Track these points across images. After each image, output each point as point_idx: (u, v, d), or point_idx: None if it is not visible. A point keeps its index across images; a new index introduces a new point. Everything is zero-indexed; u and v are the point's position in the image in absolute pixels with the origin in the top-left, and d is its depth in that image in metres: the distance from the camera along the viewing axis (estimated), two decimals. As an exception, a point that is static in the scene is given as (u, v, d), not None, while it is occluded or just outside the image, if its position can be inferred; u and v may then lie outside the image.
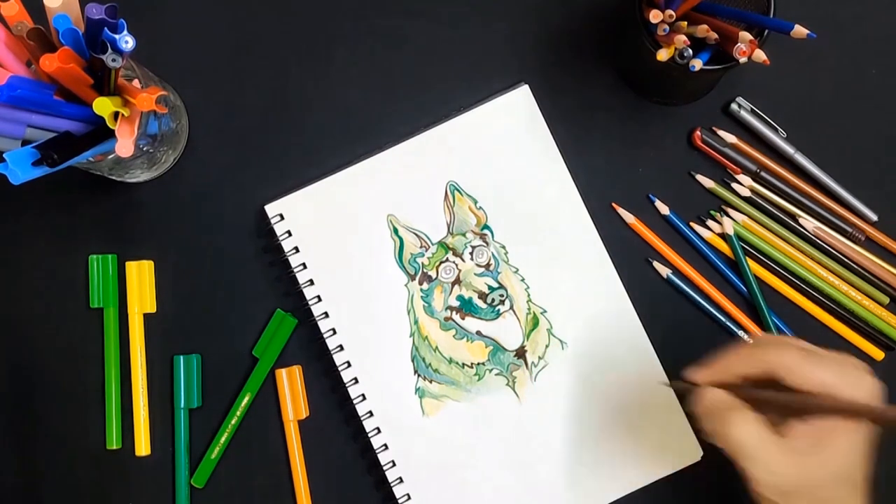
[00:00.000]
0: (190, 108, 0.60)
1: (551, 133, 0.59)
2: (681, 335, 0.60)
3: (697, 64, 0.48)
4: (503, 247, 0.59)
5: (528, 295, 0.59)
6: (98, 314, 0.60)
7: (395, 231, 0.59)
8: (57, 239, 0.60)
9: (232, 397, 0.59)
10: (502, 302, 0.59)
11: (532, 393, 0.59)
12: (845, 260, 0.60)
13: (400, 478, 0.58)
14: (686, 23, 0.50)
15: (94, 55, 0.46)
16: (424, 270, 0.59)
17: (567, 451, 0.58)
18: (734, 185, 0.60)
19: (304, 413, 0.59)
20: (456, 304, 0.59)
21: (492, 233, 0.59)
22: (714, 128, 0.60)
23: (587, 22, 0.61)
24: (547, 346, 0.59)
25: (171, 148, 0.58)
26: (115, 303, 0.59)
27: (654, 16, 0.49)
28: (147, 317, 0.60)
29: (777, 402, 0.44)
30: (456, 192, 0.59)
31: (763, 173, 0.60)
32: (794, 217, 0.60)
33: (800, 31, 0.47)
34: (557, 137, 0.59)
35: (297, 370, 0.59)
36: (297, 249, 0.59)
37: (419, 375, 0.59)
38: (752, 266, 0.60)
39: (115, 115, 0.47)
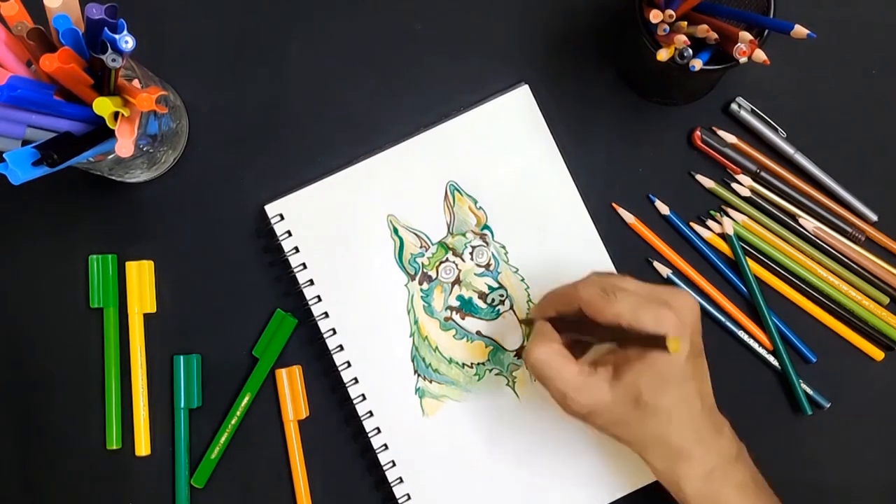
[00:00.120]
0: (190, 108, 0.60)
1: (551, 133, 0.59)
2: (681, 335, 0.60)
3: (697, 64, 0.48)
4: (503, 247, 0.59)
5: (528, 295, 0.59)
6: (98, 314, 0.60)
7: (395, 231, 0.59)
8: (57, 239, 0.60)
9: (232, 397, 0.59)
10: (502, 302, 0.59)
11: (532, 393, 0.59)
12: (845, 260, 0.60)
13: (400, 478, 0.58)
14: (686, 23, 0.50)
15: (94, 55, 0.46)
16: (424, 270, 0.59)
17: (567, 452, 0.58)
18: (734, 185, 0.60)
19: (304, 413, 0.59)
20: (456, 304, 0.59)
21: (492, 233, 0.59)
22: (714, 128, 0.60)
23: (587, 22, 0.61)
24: (547, 346, 0.59)
25: (171, 148, 0.58)
26: (115, 303, 0.59)
27: (654, 16, 0.49)
28: (147, 317, 0.60)
29: (579, 332, 0.50)
30: (456, 192, 0.59)
31: (763, 173, 0.60)
32: (794, 217, 0.60)
33: (800, 31, 0.47)
34: (557, 137, 0.59)
35: (297, 370, 0.59)
36: (297, 249, 0.59)
37: (419, 375, 0.59)
38: (752, 266, 0.60)
39: (115, 115, 0.47)
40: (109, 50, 0.44)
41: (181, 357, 0.59)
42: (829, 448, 0.60)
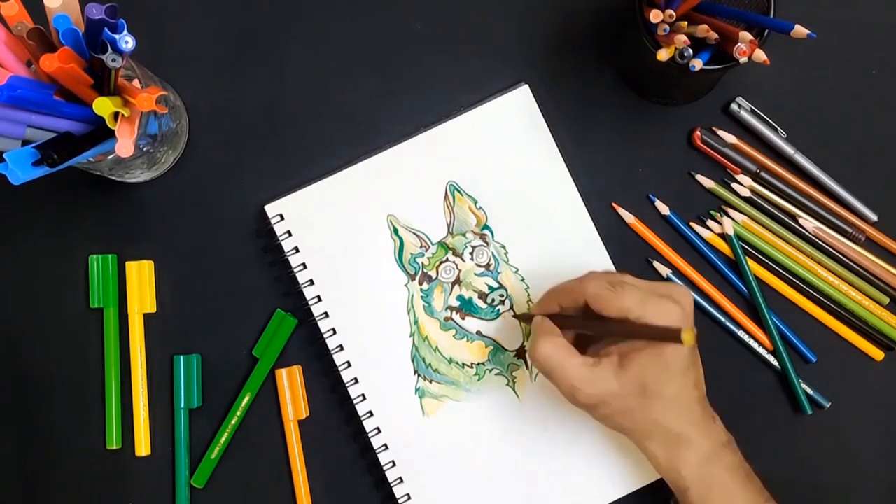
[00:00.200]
0: (190, 108, 0.60)
1: (551, 133, 0.59)
2: (681, 335, 0.60)
3: (697, 64, 0.48)
4: (503, 247, 0.59)
5: (528, 295, 0.59)
6: (98, 314, 0.60)
7: (395, 231, 0.59)
8: (57, 239, 0.60)
9: (232, 397, 0.59)
10: (502, 302, 0.59)
11: (532, 393, 0.59)
12: (845, 260, 0.60)
13: (400, 478, 0.58)
14: (686, 23, 0.50)
15: (94, 55, 0.46)
16: (424, 270, 0.59)
17: (567, 451, 0.58)
18: (734, 185, 0.60)
19: (304, 413, 0.59)
20: (456, 304, 0.59)
21: (492, 233, 0.59)
22: (714, 128, 0.60)
23: (587, 22, 0.61)
24: (547, 346, 0.59)
25: (171, 148, 0.58)
26: (115, 303, 0.59)
27: (654, 16, 0.49)
28: (147, 317, 0.60)
29: (584, 326, 0.52)
30: (456, 192, 0.59)
31: (763, 173, 0.60)
32: (794, 217, 0.60)
33: (800, 31, 0.47)
34: (557, 137, 0.59)
35: (297, 370, 0.59)
36: (297, 249, 0.59)
37: (419, 375, 0.59)
38: (752, 266, 0.60)
39: (115, 115, 0.47)
40: (109, 50, 0.44)
41: (181, 357, 0.59)
42: (829, 448, 0.60)
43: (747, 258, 0.60)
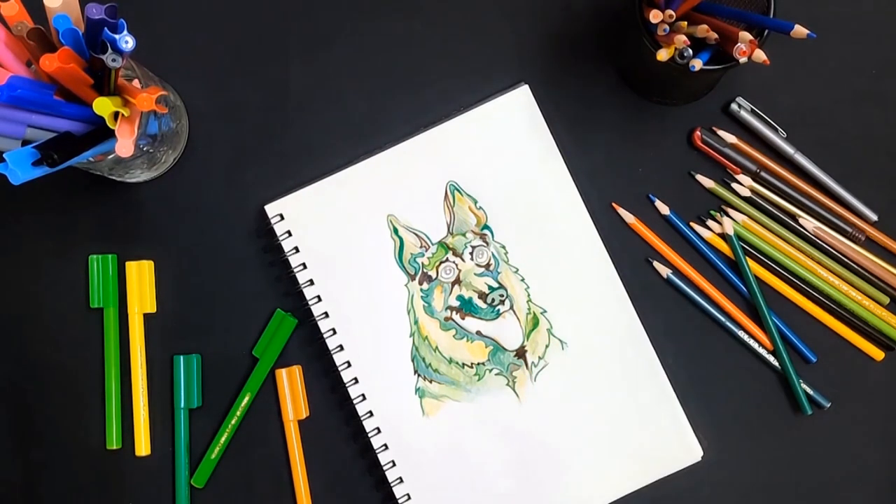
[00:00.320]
0: (190, 108, 0.60)
1: (551, 133, 0.59)
2: (681, 335, 0.60)
3: (697, 64, 0.48)
4: (503, 247, 0.59)
5: (528, 295, 0.59)
6: (98, 314, 0.60)
7: (395, 231, 0.59)
8: (57, 239, 0.60)
9: (232, 397, 0.59)
10: (502, 302, 0.59)
11: (532, 393, 0.59)
12: (845, 260, 0.60)
13: (400, 478, 0.58)
14: (686, 23, 0.50)
15: (94, 55, 0.46)
16: (424, 270, 0.59)
17: (567, 451, 0.58)
18: (734, 185, 0.60)
19: (304, 413, 0.59)
20: (456, 304, 0.59)
21: (492, 233, 0.59)
22: (714, 128, 0.60)
23: (587, 22, 0.61)
24: (547, 346, 0.59)
25: (171, 148, 0.58)
26: (115, 303, 0.59)
27: (654, 16, 0.49)
28: (147, 317, 0.60)
29: None
30: (456, 192, 0.59)
31: (763, 173, 0.60)
32: (794, 217, 0.60)
33: (800, 31, 0.47)
34: (557, 137, 0.59)
35: (297, 370, 0.59)
36: (297, 249, 0.59)
37: (419, 375, 0.59)
38: (752, 266, 0.60)
39: (115, 115, 0.47)
40: (109, 50, 0.44)
41: (181, 357, 0.59)
42: (829, 448, 0.60)
43: (747, 258, 0.60)
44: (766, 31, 0.51)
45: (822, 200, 0.60)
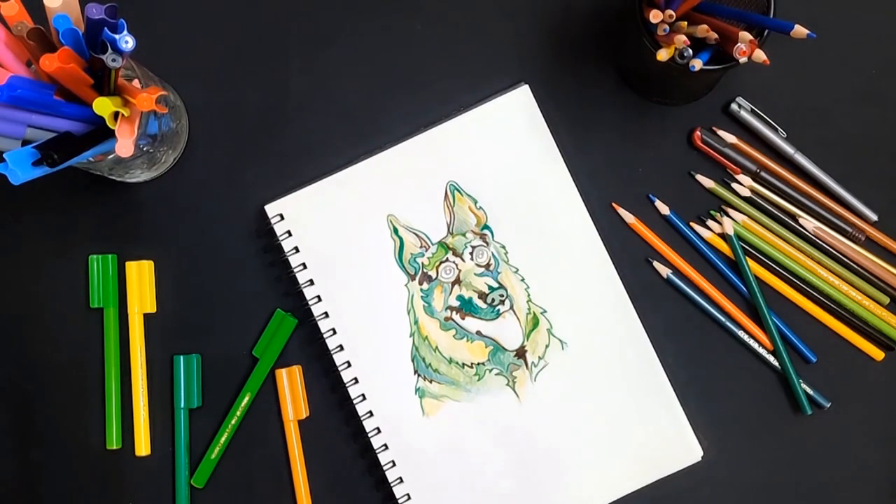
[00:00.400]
0: (190, 108, 0.60)
1: (551, 133, 0.59)
2: (681, 335, 0.60)
3: (697, 64, 0.48)
4: (503, 247, 0.59)
5: (528, 295, 0.59)
6: (98, 314, 0.60)
7: (395, 231, 0.59)
8: (57, 239, 0.60)
9: (232, 397, 0.59)
10: (502, 302, 0.59)
11: (532, 393, 0.59)
12: (845, 260, 0.60)
13: (400, 478, 0.58)
14: (686, 23, 0.50)
15: (94, 55, 0.46)
16: (424, 270, 0.59)
17: (567, 451, 0.58)
18: (734, 185, 0.60)
19: (304, 413, 0.59)
20: (456, 304, 0.59)
21: (492, 233, 0.59)
22: (714, 128, 0.60)
23: (587, 22, 0.61)
24: (547, 346, 0.59)
25: (171, 148, 0.58)
26: (115, 303, 0.59)
27: (654, 16, 0.49)
28: (147, 317, 0.60)
29: None
30: (456, 192, 0.59)
31: (763, 173, 0.60)
32: (794, 217, 0.60)
33: (800, 31, 0.47)
34: (557, 137, 0.59)
35: (297, 370, 0.59)
36: (297, 249, 0.59)
37: (419, 375, 0.59)
38: (752, 266, 0.60)
39: (115, 115, 0.47)
40: (109, 50, 0.44)
41: (181, 357, 0.59)
42: (829, 448, 0.60)
43: (747, 258, 0.60)
44: (766, 31, 0.51)
45: (822, 200, 0.60)
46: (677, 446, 0.59)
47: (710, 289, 0.60)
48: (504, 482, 0.58)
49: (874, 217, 0.60)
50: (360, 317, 0.59)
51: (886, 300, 0.60)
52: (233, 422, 0.59)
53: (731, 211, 0.60)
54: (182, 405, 0.59)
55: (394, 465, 0.58)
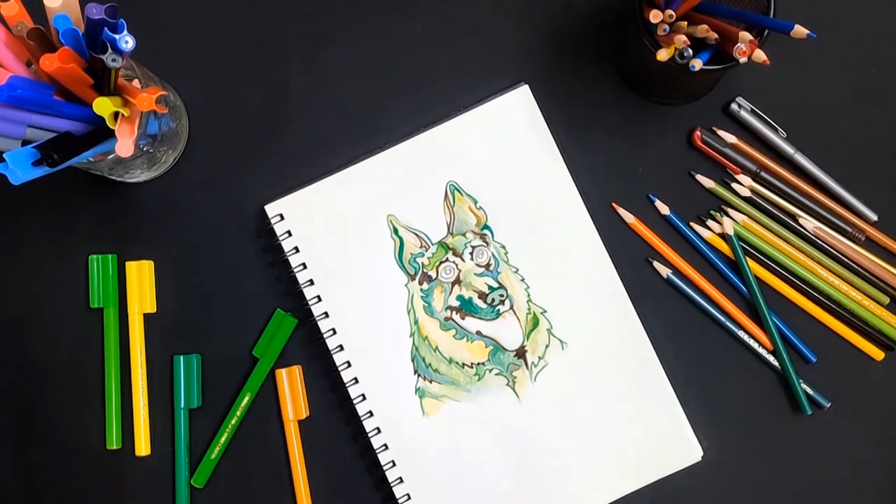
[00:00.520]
0: (190, 108, 0.60)
1: (551, 133, 0.59)
2: (681, 335, 0.60)
3: (697, 64, 0.48)
4: (503, 247, 0.59)
5: (528, 295, 0.59)
6: (98, 314, 0.60)
7: (395, 231, 0.59)
8: (57, 239, 0.60)
9: (232, 397, 0.59)
10: (502, 302, 0.59)
11: (532, 393, 0.59)
12: (845, 260, 0.60)
13: (400, 478, 0.58)
14: (686, 23, 0.50)
15: (94, 55, 0.46)
16: (424, 270, 0.59)
17: (567, 451, 0.58)
18: (734, 185, 0.60)
19: (304, 413, 0.59)
20: (456, 304, 0.59)
21: (492, 233, 0.59)
22: (714, 128, 0.60)
23: (587, 22, 0.61)
24: (547, 346, 0.59)
25: (171, 148, 0.58)
26: (115, 303, 0.59)
27: (654, 16, 0.49)
28: (147, 317, 0.60)
29: None
30: (456, 192, 0.59)
31: (763, 173, 0.60)
32: (794, 217, 0.60)
33: (800, 31, 0.47)
34: (557, 137, 0.59)
35: (297, 370, 0.59)
36: (297, 249, 0.59)
37: (419, 375, 0.59)
38: (752, 266, 0.60)
39: (115, 115, 0.47)
40: (109, 50, 0.44)
41: (181, 357, 0.59)
42: (829, 448, 0.60)
43: (747, 258, 0.60)
44: (766, 31, 0.51)
45: (822, 200, 0.60)
46: (677, 446, 0.59)
47: (710, 289, 0.60)
48: (504, 482, 0.58)
49: (874, 217, 0.60)
50: (360, 317, 0.59)
51: (886, 300, 0.60)
52: (233, 422, 0.59)
53: (731, 211, 0.60)
54: (182, 405, 0.59)
55: (394, 465, 0.58)
